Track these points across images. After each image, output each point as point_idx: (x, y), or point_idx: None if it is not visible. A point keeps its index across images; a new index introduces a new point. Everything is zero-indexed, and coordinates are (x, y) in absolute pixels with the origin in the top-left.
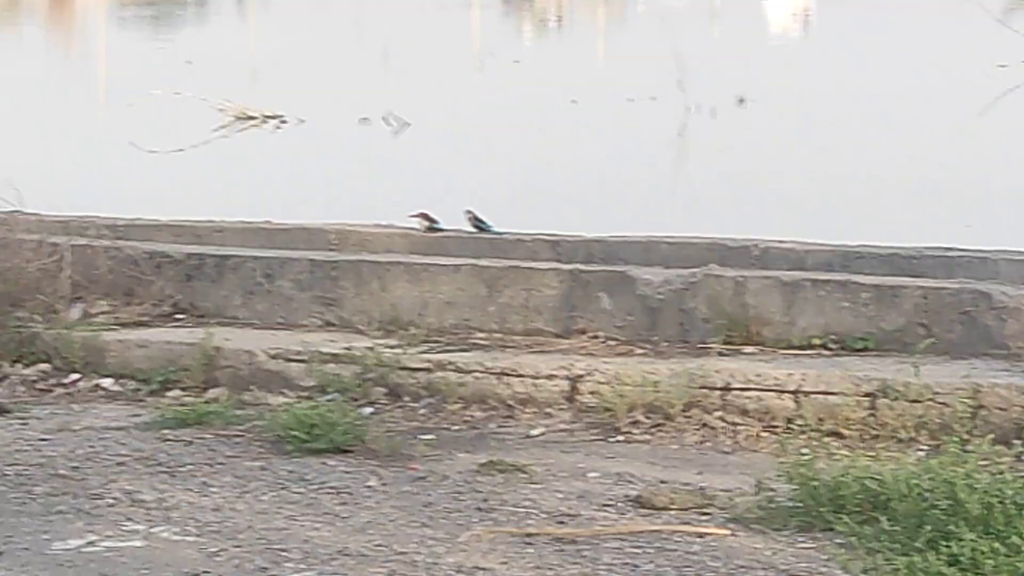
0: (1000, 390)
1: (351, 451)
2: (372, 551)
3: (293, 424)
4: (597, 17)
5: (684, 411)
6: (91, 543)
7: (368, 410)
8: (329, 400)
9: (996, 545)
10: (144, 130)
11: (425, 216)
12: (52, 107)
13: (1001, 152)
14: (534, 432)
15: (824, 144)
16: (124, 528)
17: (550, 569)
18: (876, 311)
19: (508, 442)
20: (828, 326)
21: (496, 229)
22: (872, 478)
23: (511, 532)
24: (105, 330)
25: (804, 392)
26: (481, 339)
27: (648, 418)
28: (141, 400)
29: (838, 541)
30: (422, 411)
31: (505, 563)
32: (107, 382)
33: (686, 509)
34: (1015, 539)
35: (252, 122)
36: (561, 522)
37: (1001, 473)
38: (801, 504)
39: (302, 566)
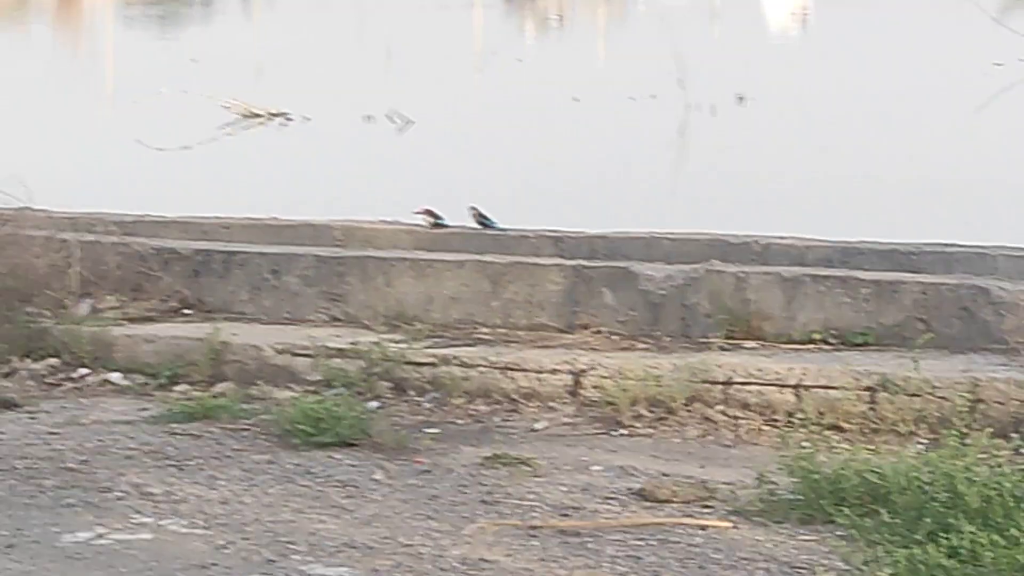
0: (998, 384)
1: (357, 445)
2: (378, 543)
3: (300, 418)
4: (598, 17)
5: (686, 405)
6: (100, 536)
7: (374, 404)
8: (335, 394)
9: (995, 537)
10: (151, 128)
11: (430, 212)
12: (60, 105)
13: (998, 149)
14: (538, 426)
15: (823, 142)
16: (133, 521)
17: (554, 561)
18: (876, 306)
19: (512, 436)
20: (828, 321)
21: (500, 225)
22: (872, 471)
23: (515, 525)
24: (113, 325)
25: (805, 386)
26: (485, 334)
27: (650, 412)
28: (149, 394)
29: (839, 533)
30: (427, 405)
31: (510, 555)
32: (115, 376)
33: (688, 502)
34: (1014, 531)
35: (258, 120)
36: (565, 515)
37: (999, 466)
38: (802, 497)
39: (309, 558)
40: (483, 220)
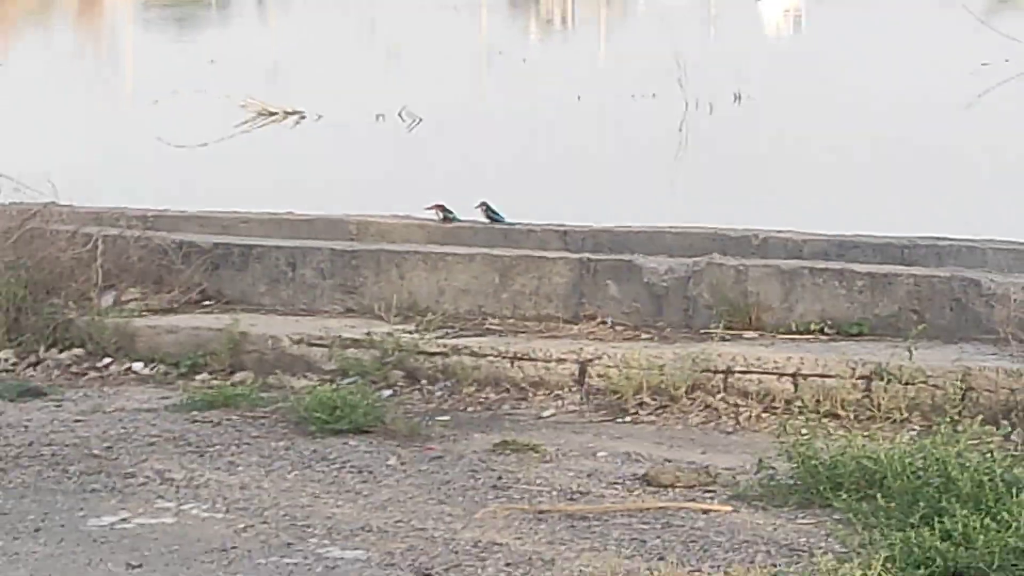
0: (989, 373)
1: (371, 432)
2: (392, 527)
3: (316, 406)
4: (600, 18)
5: (688, 393)
6: (124, 520)
7: (387, 393)
8: (350, 383)
9: (987, 521)
10: (170, 126)
11: (441, 207)
12: (83, 105)
13: (987, 146)
14: (545, 413)
15: (818, 138)
16: (155, 505)
17: (562, 544)
18: (870, 298)
19: (521, 423)
20: (825, 312)
21: (508, 220)
22: (868, 457)
23: (524, 509)
24: (136, 316)
25: (802, 375)
26: (494, 325)
27: (654, 400)
28: (171, 383)
29: (836, 517)
30: (439, 394)
31: (519, 538)
32: (138, 366)
33: (691, 487)
34: (1005, 515)
35: (273, 118)
36: (572, 499)
37: (991, 452)
38: (800, 482)
39: (325, 541)
40: (492, 215)
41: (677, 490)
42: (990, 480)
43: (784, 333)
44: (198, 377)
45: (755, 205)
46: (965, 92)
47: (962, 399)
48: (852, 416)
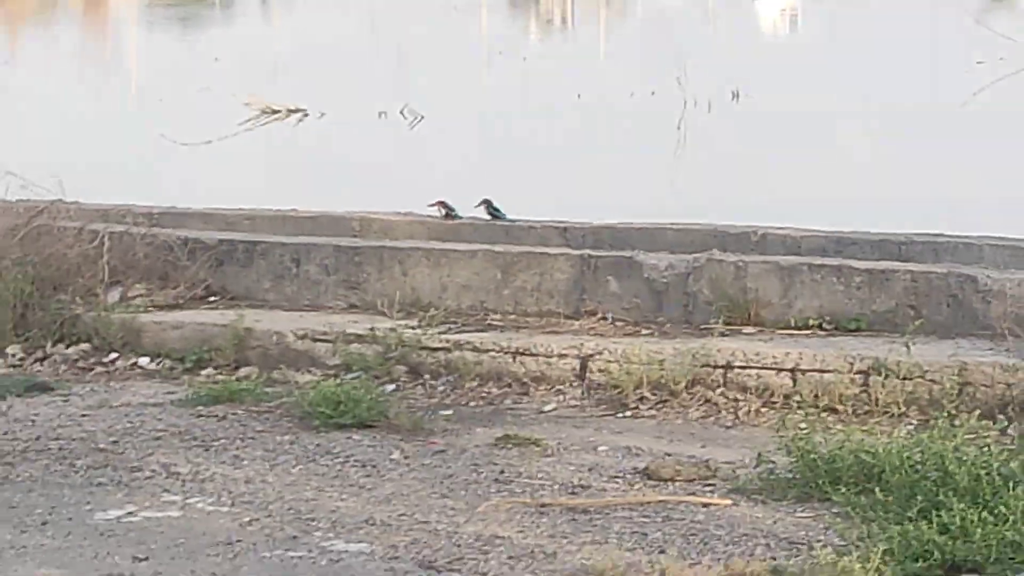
0: (985, 368)
1: (375, 426)
2: (396, 520)
3: (320, 401)
4: (599, 17)
5: (688, 388)
6: (130, 513)
7: (390, 387)
8: (353, 378)
9: (984, 514)
10: (175, 124)
11: (443, 204)
12: (89, 103)
13: (982, 144)
14: (547, 408)
15: (815, 135)
16: (161, 499)
17: (564, 537)
18: (868, 294)
19: (523, 417)
20: (823, 308)
21: (509, 217)
22: (866, 451)
23: (526, 502)
24: (142, 312)
25: (801, 370)
26: (496, 320)
27: (654, 395)
28: (176, 378)
29: (835, 510)
30: (441, 388)
31: (521, 532)
32: (144, 361)
33: (691, 480)
34: (1002, 508)
35: (276, 116)
36: (573, 493)
37: (987, 446)
38: (799, 476)
39: (330, 534)
40: (493, 212)
41: (677, 484)
42: (987, 474)
43: (783, 329)
44: (203, 372)
45: (754, 202)
46: (961, 90)
47: (959, 394)
48: (850, 411)
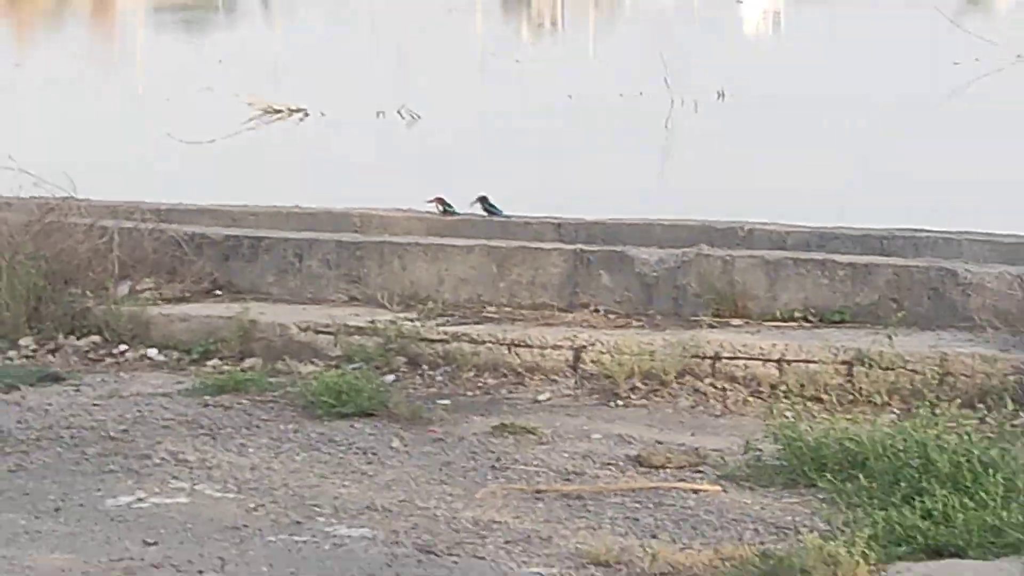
0: (965, 359)
1: (375, 415)
2: (396, 506)
3: (322, 390)
4: (589, 19)
5: (678, 378)
6: (140, 500)
7: (390, 378)
8: (355, 369)
9: (965, 500)
10: (180, 123)
11: (441, 201)
12: (99, 103)
13: (960, 142)
14: (541, 397)
15: (798, 134)
16: (170, 486)
17: (558, 522)
18: (852, 287)
19: (518, 407)
20: (808, 300)
21: (505, 213)
22: (850, 439)
23: (522, 489)
24: (150, 305)
25: (787, 361)
26: (492, 313)
27: (645, 384)
28: (183, 369)
29: (820, 496)
30: (439, 379)
31: (517, 517)
32: (152, 352)
33: (681, 467)
34: (982, 494)
35: (278, 115)
36: (568, 479)
37: (967, 434)
38: (786, 463)
39: (333, 520)
40: (489, 208)
41: (668, 471)
42: (967, 461)
43: (769, 321)
44: (209, 363)
45: (740, 199)
46: (938, 90)
47: (940, 384)
48: (835, 400)
